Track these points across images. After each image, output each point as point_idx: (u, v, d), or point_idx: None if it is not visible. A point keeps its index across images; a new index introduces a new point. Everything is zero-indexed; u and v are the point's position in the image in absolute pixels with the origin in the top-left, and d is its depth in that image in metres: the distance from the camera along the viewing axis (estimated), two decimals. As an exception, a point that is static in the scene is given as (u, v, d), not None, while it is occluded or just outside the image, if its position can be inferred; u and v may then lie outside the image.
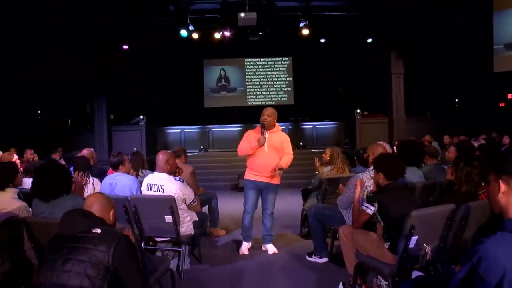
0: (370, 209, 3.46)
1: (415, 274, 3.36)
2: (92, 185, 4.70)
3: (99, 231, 2.23)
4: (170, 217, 4.24)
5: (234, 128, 15.09)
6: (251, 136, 5.28)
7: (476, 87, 13.55)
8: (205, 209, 6.04)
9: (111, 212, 2.57)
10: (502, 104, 14.04)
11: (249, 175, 5.26)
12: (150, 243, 4.75)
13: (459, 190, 3.51)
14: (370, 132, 13.23)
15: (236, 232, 6.12)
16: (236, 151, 5.46)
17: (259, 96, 16.99)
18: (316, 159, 6.21)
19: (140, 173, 5.58)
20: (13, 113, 12.93)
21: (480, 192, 3.56)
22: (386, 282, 3.62)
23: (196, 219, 4.75)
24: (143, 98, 15.48)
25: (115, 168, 4.82)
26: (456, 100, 16.08)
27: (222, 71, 17.00)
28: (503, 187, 2.13)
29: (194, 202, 4.69)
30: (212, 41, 12.80)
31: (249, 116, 13.51)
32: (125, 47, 13.16)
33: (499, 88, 13.27)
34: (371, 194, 3.56)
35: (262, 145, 5.10)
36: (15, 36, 10.34)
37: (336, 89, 16.61)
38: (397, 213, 3.26)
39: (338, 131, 15.68)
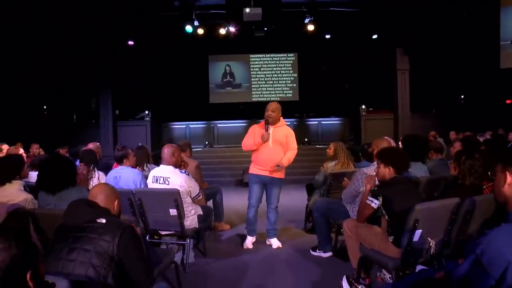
0: (375, 203, 3.46)
1: (419, 268, 3.36)
2: (98, 179, 4.74)
3: (103, 221, 2.25)
4: (175, 210, 4.26)
5: (239, 124, 15.09)
6: (255, 131, 5.28)
7: (482, 84, 13.48)
8: (210, 203, 6.05)
9: (116, 202, 2.59)
10: (508, 101, 13.94)
11: (253, 169, 5.27)
12: (155, 237, 4.77)
13: (463, 183, 3.50)
14: (375, 129, 13.21)
15: (240, 226, 6.13)
16: (241, 146, 5.48)
17: (264, 92, 16.99)
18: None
19: (145, 167, 5.60)
20: (19, 110, 13.00)
21: (485, 186, 3.56)
22: (390, 276, 3.63)
23: (201, 212, 4.77)
24: (148, 94, 15.52)
25: (120, 161, 4.85)
26: (462, 96, 16.00)
27: (227, 67, 17.01)
28: (509, 178, 2.14)
29: (199, 196, 4.71)
30: (217, 37, 12.80)
31: (254, 112, 13.51)
32: (130, 42, 13.18)
33: (505, 85, 13.18)
34: (376, 188, 3.56)
35: (266, 141, 5.10)
36: (20, 34, 10.39)
37: (341, 85, 16.58)
38: (401, 206, 3.26)
39: (343, 127, 15.66)
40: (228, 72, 17.02)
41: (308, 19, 11.95)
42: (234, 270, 4.56)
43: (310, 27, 12.16)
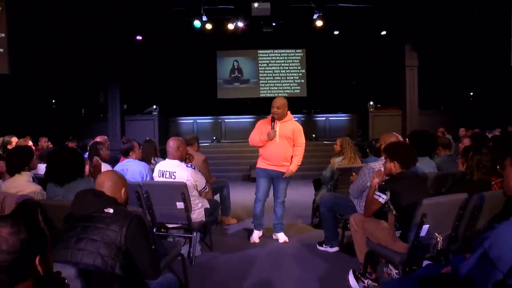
0: (382, 198, 3.45)
1: (426, 263, 3.35)
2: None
3: (111, 211, 2.25)
4: (182, 203, 4.27)
5: (246, 119, 15.08)
6: (262, 127, 5.27)
7: (491, 81, 13.37)
8: (217, 197, 6.07)
9: (123, 190, 2.59)
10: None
11: (261, 164, 5.27)
12: (162, 230, 4.79)
13: (471, 179, 3.48)
14: (383, 125, 13.16)
15: (247, 221, 6.14)
16: (248, 142, 5.48)
17: (272, 88, 16.96)
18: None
19: (152, 160, 5.61)
20: (28, 105, 13.09)
21: (493, 182, 3.53)
22: (397, 271, 3.62)
23: (208, 206, 4.78)
24: (156, 89, 15.56)
25: (126, 154, 4.88)
26: (471, 94, 15.89)
27: (235, 62, 16.99)
28: (519, 172, 2.12)
29: (206, 189, 4.72)
30: (225, 32, 12.77)
31: (262, 108, 13.48)
32: (139, 38, 13.21)
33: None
34: (383, 183, 3.54)
35: (272, 139, 5.10)
36: (29, 31, 10.44)
37: (349, 81, 16.52)
38: (409, 201, 3.25)
39: (351, 123, 15.61)
40: (236, 67, 17.01)
41: (317, 15, 11.90)
42: (241, 264, 4.57)
43: (319, 23, 12.10)
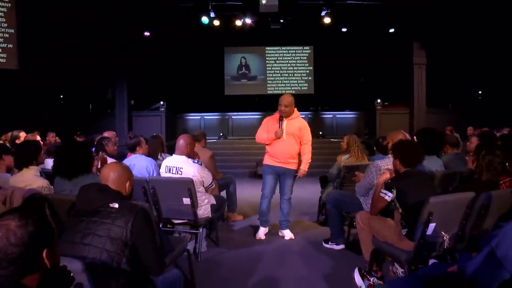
0: (388, 196, 3.44)
1: (432, 262, 3.34)
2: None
3: (116, 205, 2.26)
4: (188, 199, 4.28)
5: (253, 116, 15.08)
6: (269, 125, 5.27)
7: (500, 80, 13.27)
8: (223, 193, 6.08)
9: (127, 183, 2.59)
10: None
11: (267, 160, 5.28)
12: (168, 225, 4.81)
13: (480, 178, 3.44)
14: (390, 123, 13.11)
15: (253, 217, 6.16)
16: (255, 139, 5.48)
17: (279, 85, 16.94)
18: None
19: (159, 156, 5.63)
20: (36, 99, 13.17)
21: (501, 182, 3.50)
22: (402, 270, 3.61)
23: (214, 202, 4.79)
24: (164, 84, 15.59)
25: (132, 150, 4.90)
26: (480, 92, 15.78)
27: (242, 59, 16.99)
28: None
29: (212, 185, 4.73)
30: (233, 29, 12.76)
31: (269, 104, 13.47)
32: (146, 33, 13.24)
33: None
34: (389, 181, 3.53)
35: (280, 137, 5.10)
36: (39, 27, 10.51)
37: (356, 79, 16.46)
38: (415, 199, 3.23)
39: (358, 121, 15.58)
40: (243, 64, 17.00)
41: (325, 12, 11.85)
42: (246, 261, 4.58)
43: (327, 20, 12.07)
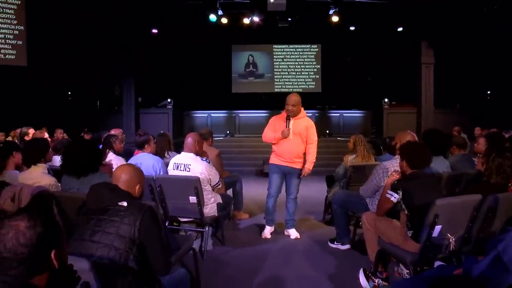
0: (394, 197, 3.43)
1: (437, 264, 3.34)
2: (116, 165, 4.75)
3: (125, 204, 2.29)
4: (195, 197, 4.30)
5: (260, 114, 15.08)
6: (275, 124, 5.28)
7: (509, 79, 13.16)
8: (230, 192, 6.09)
9: (138, 186, 2.62)
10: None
11: (274, 160, 5.28)
12: (174, 223, 4.84)
13: (488, 181, 3.43)
14: (398, 122, 13.07)
15: (259, 216, 6.17)
16: (262, 137, 5.49)
17: (287, 83, 16.92)
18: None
19: (166, 154, 5.65)
20: (44, 95, 13.24)
21: (510, 184, 3.47)
22: (408, 271, 3.61)
23: (220, 201, 4.81)
24: (171, 82, 15.62)
25: (141, 147, 4.91)
26: (488, 92, 15.68)
27: (250, 57, 16.97)
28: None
29: (219, 184, 4.75)
30: (241, 27, 12.75)
31: (276, 103, 13.48)
32: (154, 31, 13.27)
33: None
34: (396, 182, 3.53)
35: (286, 137, 5.10)
36: (47, 24, 10.58)
37: (364, 78, 16.41)
38: (421, 201, 3.23)
39: (365, 120, 15.54)
40: (251, 62, 16.98)
41: (333, 10, 11.82)
42: (252, 259, 4.59)
43: (335, 19, 12.02)
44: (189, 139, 4.63)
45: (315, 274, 4.18)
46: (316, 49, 16.91)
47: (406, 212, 3.40)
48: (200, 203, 4.34)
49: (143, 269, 2.22)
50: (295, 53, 16.97)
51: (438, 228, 3.09)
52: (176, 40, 14.67)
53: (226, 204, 5.15)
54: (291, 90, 15.95)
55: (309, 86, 16.84)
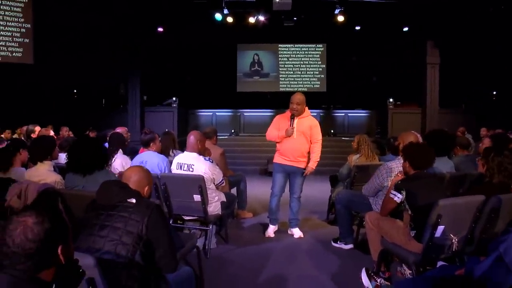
0: (398, 197, 3.44)
1: (440, 264, 3.34)
2: (121, 164, 4.79)
3: (134, 201, 2.34)
4: (199, 196, 4.32)
5: (265, 113, 15.08)
6: (279, 122, 5.29)
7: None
8: (234, 191, 6.11)
9: (146, 188, 2.68)
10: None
11: (277, 159, 5.30)
12: (178, 222, 4.86)
13: (491, 181, 3.43)
14: (402, 122, 13.05)
15: (263, 215, 6.19)
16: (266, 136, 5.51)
17: (292, 82, 16.91)
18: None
19: (171, 153, 5.67)
20: (50, 93, 13.32)
21: (513, 185, 3.48)
22: (410, 271, 3.62)
23: (224, 199, 4.83)
24: (176, 80, 15.66)
25: (146, 145, 4.94)
26: (494, 92, 15.62)
27: (255, 56, 16.98)
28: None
29: (223, 183, 4.77)
30: (246, 26, 12.76)
31: (281, 102, 13.47)
32: (160, 29, 13.30)
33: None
34: (399, 182, 3.54)
35: (290, 135, 5.11)
36: (53, 22, 10.65)
37: (369, 78, 16.39)
38: (425, 201, 3.23)
39: (370, 120, 15.53)
40: (256, 61, 16.99)
41: (338, 10, 11.82)
42: (255, 258, 4.61)
43: (340, 18, 12.02)
44: (192, 138, 4.64)
45: (318, 273, 4.19)
46: (321, 49, 16.90)
47: (409, 212, 3.41)
48: (204, 201, 4.36)
49: (149, 265, 2.25)
50: (301, 52, 16.97)
51: (441, 228, 3.10)
52: (182, 39, 14.69)
53: (230, 203, 5.17)
54: (296, 89, 15.95)
55: (314, 86, 16.84)
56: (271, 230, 5.40)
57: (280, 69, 16.93)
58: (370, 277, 3.73)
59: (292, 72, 16.96)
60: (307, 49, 16.95)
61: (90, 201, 2.46)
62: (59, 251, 1.49)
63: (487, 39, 12.22)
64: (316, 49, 16.92)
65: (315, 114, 12.41)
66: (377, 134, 14.35)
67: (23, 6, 9.51)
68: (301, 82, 16.89)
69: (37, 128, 7.13)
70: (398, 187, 3.46)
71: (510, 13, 10.65)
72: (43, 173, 3.70)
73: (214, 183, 4.59)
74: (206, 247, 4.58)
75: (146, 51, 13.63)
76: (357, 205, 4.75)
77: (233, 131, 15.10)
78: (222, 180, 4.70)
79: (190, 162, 4.56)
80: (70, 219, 1.75)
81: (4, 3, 9.35)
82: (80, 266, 1.67)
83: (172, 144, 5.86)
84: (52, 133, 7.28)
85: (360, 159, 5.66)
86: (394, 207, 3.58)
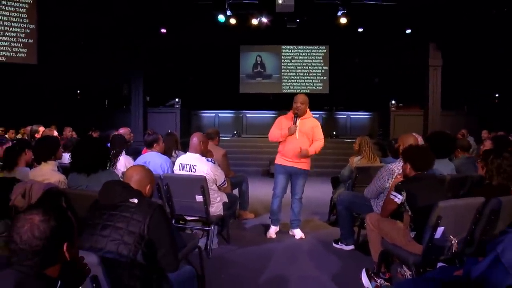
0: (398, 198, 3.47)
1: (440, 265, 3.36)
2: (124, 164, 4.82)
3: (136, 201, 2.36)
4: (201, 196, 4.36)
5: (268, 114, 15.13)
6: (282, 122, 5.32)
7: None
8: (236, 192, 6.14)
9: (148, 187, 2.69)
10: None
11: (279, 160, 5.32)
12: (180, 222, 4.89)
13: (491, 183, 3.46)
14: (404, 124, 13.07)
15: (264, 216, 6.22)
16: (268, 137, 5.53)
17: (294, 84, 16.94)
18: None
19: (173, 153, 5.71)
20: (53, 93, 13.38)
21: (512, 187, 3.50)
22: (410, 272, 3.64)
23: (226, 200, 4.86)
24: (179, 81, 15.70)
25: (150, 146, 4.97)
26: (496, 95, 15.61)
27: (258, 57, 17.01)
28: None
29: (225, 184, 4.80)
30: (249, 27, 12.78)
31: (284, 103, 13.49)
32: (163, 30, 13.35)
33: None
34: (400, 183, 3.56)
35: (293, 134, 5.14)
36: (57, 23, 10.70)
37: (371, 79, 16.40)
38: (425, 202, 3.25)
39: (372, 122, 15.55)
40: (259, 62, 17.02)
41: (341, 12, 11.82)
42: (257, 258, 4.64)
43: (343, 20, 12.02)
44: (194, 139, 4.68)
45: (319, 274, 4.22)
46: (324, 50, 16.92)
47: (409, 213, 3.44)
48: (206, 202, 4.40)
49: (151, 265, 2.28)
50: (303, 54, 16.99)
51: (440, 229, 3.12)
52: (185, 40, 14.72)
53: (232, 204, 5.20)
54: (299, 91, 15.97)
55: (317, 87, 16.85)
56: (273, 231, 5.43)
57: (283, 70, 16.96)
58: (370, 278, 3.76)
59: (294, 74, 16.98)
60: (309, 51, 16.97)
61: (93, 201, 2.49)
62: (64, 248, 1.53)
63: (489, 42, 12.22)
64: (319, 51, 16.94)
65: (317, 116, 12.41)
66: (379, 136, 14.37)
67: (27, 7, 9.57)
68: (303, 84, 16.91)
69: (41, 129, 7.18)
70: (398, 188, 3.49)
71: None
72: (47, 173, 3.74)
73: (216, 184, 4.62)
74: (208, 247, 4.62)
75: (149, 52, 13.67)
76: (358, 206, 4.77)
77: (235, 132, 15.14)
78: (224, 181, 4.73)
79: (193, 163, 4.59)
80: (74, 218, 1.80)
81: (9, 4, 9.41)
82: (86, 264, 1.72)
83: (175, 145, 5.90)
84: (55, 133, 7.32)
85: (362, 160, 5.68)
86: (395, 208, 3.60)
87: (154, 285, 2.29)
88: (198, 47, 15.34)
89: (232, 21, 12.26)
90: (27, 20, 9.58)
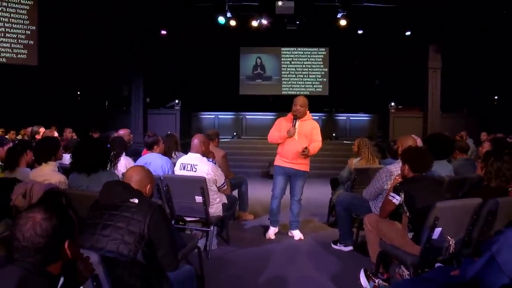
0: (396, 199, 3.49)
1: (438, 266, 3.38)
2: (125, 165, 4.84)
3: (136, 201, 2.39)
4: (201, 197, 4.38)
5: (267, 116, 15.12)
6: (281, 124, 5.34)
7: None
8: (235, 193, 6.16)
9: (148, 187, 2.72)
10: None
11: (278, 161, 5.35)
12: (180, 222, 4.91)
13: (489, 185, 3.48)
14: (404, 126, 13.08)
15: (264, 217, 6.23)
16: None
17: (294, 86, 16.96)
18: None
19: (173, 155, 5.72)
20: (54, 94, 13.40)
21: (510, 189, 3.51)
22: (408, 273, 3.66)
23: (226, 201, 4.88)
24: (179, 83, 15.73)
25: (150, 147, 4.99)
26: (496, 97, 15.64)
27: (258, 59, 17.04)
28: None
29: (224, 186, 4.82)
30: (249, 29, 12.82)
31: (283, 105, 13.49)
32: (163, 32, 13.38)
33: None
34: (398, 184, 3.59)
35: (292, 136, 5.16)
36: (58, 24, 10.73)
37: (371, 81, 16.43)
38: (423, 203, 3.28)
39: (372, 124, 15.56)
40: (259, 64, 17.05)
41: (341, 14, 11.86)
42: (256, 259, 4.66)
43: (343, 22, 12.06)
44: (196, 140, 4.71)
45: (318, 274, 4.24)
46: (323, 52, 16.95)
47: (407, 214, 3.46)
48: (206, 203, 4.42)
49: (151, 264, 2.30)
50: (303, 56, 17.02)
51: (438, 230, 3.15)
52: (185, 42, 14.76)
53: (231, 205, 5.22)
54: (299, 92, 15.98)
55: (316, 89, 16.87)
56: (272, 232, 5.45)
57: (283, 72, 16.99)
58: (368, 278, 3.78)
59: (294, 76, 17.00)
60: (309, 52, 17.00)
61: (94, 201, 2.51)
62: (66, 245, 1.57)
63: (489, 44, 12.25)
64: (319, 52, 16.97)
65: (317, 117, 12.44)
66: (379, 138, 14.39)
67: (28, 8, 9.61)
68: (303, 86, 16.93)
69: (42, 129, 7.21)
70: (396, 189, 3.51)
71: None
72: (48, 174, 3.76)
73: (216, 185, 4.64)
74: (207, 248, 4.64)
75: (150, 53, 13.71)
76: (357, 207, 4.80)
77: (235, 133, 15.16)
78: (224, 183, 4.76)
79: (194, 162, 4.62)
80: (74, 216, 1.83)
81: (10, 5, 9.46)
82: (91, 263, 1.75)
83: (175, 146, 5.91)
84: (56, 134, 7.35)
85: (361, 162, 5.71)
86: (393, 209, 3.62)
87: (154, 284, 2.32)
88: (198, 49, 15.36)
89: (232, 22, 12.29)
90: (27, 22, 9.62)
